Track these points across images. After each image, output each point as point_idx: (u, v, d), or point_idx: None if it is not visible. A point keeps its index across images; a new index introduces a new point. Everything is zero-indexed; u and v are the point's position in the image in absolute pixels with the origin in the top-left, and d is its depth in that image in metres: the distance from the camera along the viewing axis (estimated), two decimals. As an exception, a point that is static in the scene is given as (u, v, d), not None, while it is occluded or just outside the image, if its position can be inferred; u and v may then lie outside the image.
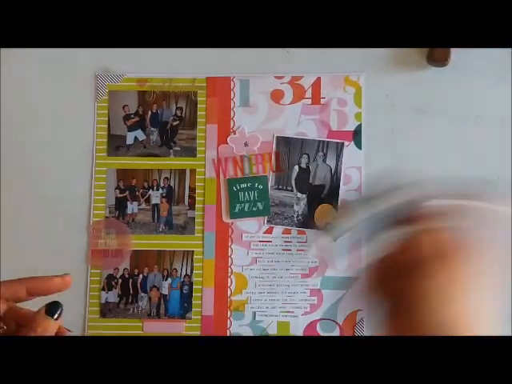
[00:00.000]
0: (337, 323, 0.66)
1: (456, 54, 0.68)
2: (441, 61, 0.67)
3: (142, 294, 0.68)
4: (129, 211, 0.69)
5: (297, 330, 0.66)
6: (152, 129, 0.70)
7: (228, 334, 0.66)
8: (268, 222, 0.68)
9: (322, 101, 0.69)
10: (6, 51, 0.70)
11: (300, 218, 0.68)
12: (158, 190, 0.69)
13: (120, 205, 0.69)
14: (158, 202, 0.69)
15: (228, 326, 0.67)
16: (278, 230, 0.68)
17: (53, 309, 0.44)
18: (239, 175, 0.69)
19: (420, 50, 0.69)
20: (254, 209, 0.68)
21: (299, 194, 0.69)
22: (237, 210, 0.68)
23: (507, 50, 0.68)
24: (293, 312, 0.67)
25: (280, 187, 0.69)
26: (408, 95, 0.69)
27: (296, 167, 0.69)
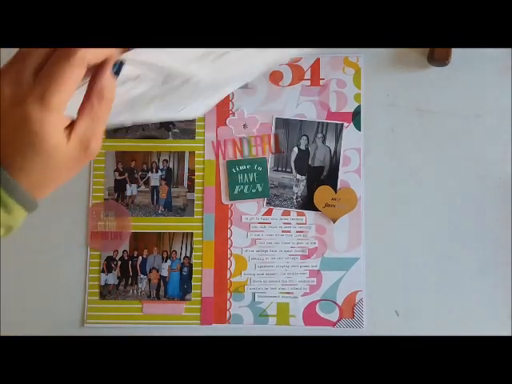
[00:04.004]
0: (336, 304, 0.66)
1: (456, 53, 0.67)
2: (441, 60, 0.67)
3: (142, 276, 0.68)
4: (128, 193, 0.69)
5: (296, 310, 0.66)
6: (151, 111, 0.70)
7: (228, 316, 0.66)
8: (267, 203, 0.68)
9: (321, 82, 0.69)
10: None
11: (299, 199, 0.68)
12: (157, 172, 0.69)
13: (119, 187, 0.69)
14: (157, 184, 0.69)
15: (228, 307, 0.67)
16: (277, 211, 0.68)
17: (119, 67, 0.35)
18: (238, 157, 0.69)
19: (420, 49, 0.69)
20: (254, 190, 0.68)
21: (298, 176, 0.69)
22: (236, 191, 0.68)
23: (507, 50, 0.68)
24: (292, 293, 0.67)
25: (279, 169, 0.69)
26: (408, 95, 0.69)
27: (295, 149, 0.69)
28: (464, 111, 0.69)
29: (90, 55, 0.33)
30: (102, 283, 0.67)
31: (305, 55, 0.69)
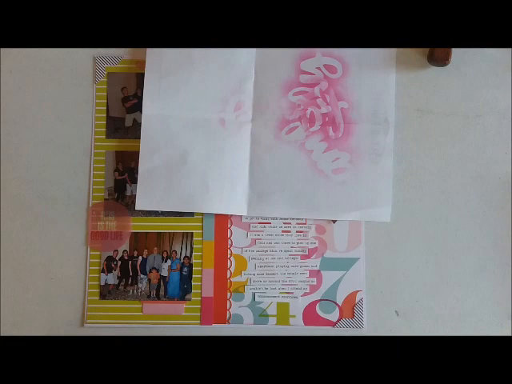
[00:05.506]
0: (336, 304, 0.66)
1: (456, 53, 0.67)
2: (441, 61, 0.67)
3: (142, 276, 0.68)
4: (128, 193, 0.69)
5: (296, 310, 0.66)
6: (151, 111, 0.70)
7: (228, 316, 0.66)
8: (267, 203, 0.68)
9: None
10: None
11: (299, 199, 0.68)
12: (157, 172, 0.69)
13: (119, 187, 0.69)
14: (157, 184, 0.69)
15: (228, 307, 0.67)
16: (277, 211, 0.68)
17: None
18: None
19: (420, 49, 0.69)
20: (254, 190, 0.68)
21: (298, 176, 0.69)
22: (236, 191, 0.68)
23: (507, 50, 0.68)
24: (292, 293, 0.67)
25: (279, 169, 0.69)
26: (408, 95, 0.69)
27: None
28: (464, 111, 0.69)
29: None
30: (102, 283, 0.67)
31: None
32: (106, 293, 0.67)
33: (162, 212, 0.68)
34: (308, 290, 0.67)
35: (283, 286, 0.67)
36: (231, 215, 0.68)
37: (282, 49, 0.69)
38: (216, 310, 0.67)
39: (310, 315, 0.66)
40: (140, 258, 0.68)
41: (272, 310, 0.67)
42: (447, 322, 0.66)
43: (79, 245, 0.68)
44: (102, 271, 0.68)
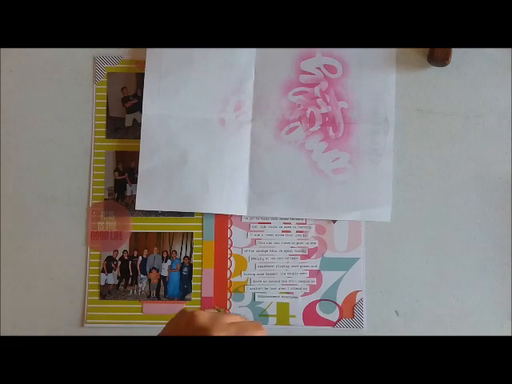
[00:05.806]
0: (336, 304, 0.66)
1: (456, 53, 0.67)
2: (442, 61, 0.67)
3: (142, 276, 0.68)
4: (128, 193, 0.69)
5: (296, 311, 0.67)
6: (151, 111, 0.70)
7: (228, 316, 0.66)
8: (267, 203, 0.68)
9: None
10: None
11: (299, 199, 0.68)
12: (157, 172, 0.69)
13: (119, 187, 0.69)
14: (157, 184, 0.69)
15: (228, 307, 0.67)
16: (277, 211, 0.68)
17: None
18: (238, 157, 0.69)
19: (420, 49, 0.69)
20: (254, 190, 0.68)
21: (298, 176, 0.69)
22: (236, 191, 0.68)
23: (507, 50, 0.68)
24: (292, 293, 0.67)
25: (279, 169, 0.69)
26: (408, 95, 0.69)
27: (295, 149, 0.69)
28: (464, 111, 0.69)
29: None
30: (102, 283, 0.68)
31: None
32: (106, 293, 0.67)
33: (162, 212, 0.68)
34: (308, 290, 0.67)
35: (283, 286, 0.67)
36: (231, 215, 0.68)
37: (282, 49, 0.69)
38: (216, 310, 0.67)
39: (309, 315, 0.66)
40: (140, 258, 0.68)
41: (272, 310, 0.67)
42: (447, 322, 0.66)
43: (79, 245, 0.68)
44: (102, 271, 0.68)
